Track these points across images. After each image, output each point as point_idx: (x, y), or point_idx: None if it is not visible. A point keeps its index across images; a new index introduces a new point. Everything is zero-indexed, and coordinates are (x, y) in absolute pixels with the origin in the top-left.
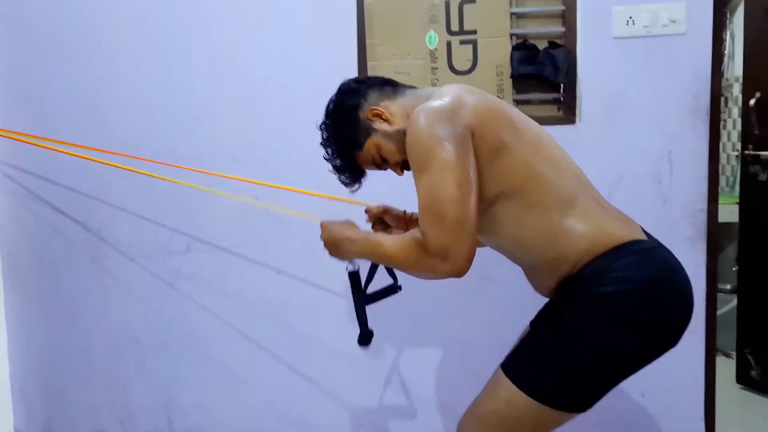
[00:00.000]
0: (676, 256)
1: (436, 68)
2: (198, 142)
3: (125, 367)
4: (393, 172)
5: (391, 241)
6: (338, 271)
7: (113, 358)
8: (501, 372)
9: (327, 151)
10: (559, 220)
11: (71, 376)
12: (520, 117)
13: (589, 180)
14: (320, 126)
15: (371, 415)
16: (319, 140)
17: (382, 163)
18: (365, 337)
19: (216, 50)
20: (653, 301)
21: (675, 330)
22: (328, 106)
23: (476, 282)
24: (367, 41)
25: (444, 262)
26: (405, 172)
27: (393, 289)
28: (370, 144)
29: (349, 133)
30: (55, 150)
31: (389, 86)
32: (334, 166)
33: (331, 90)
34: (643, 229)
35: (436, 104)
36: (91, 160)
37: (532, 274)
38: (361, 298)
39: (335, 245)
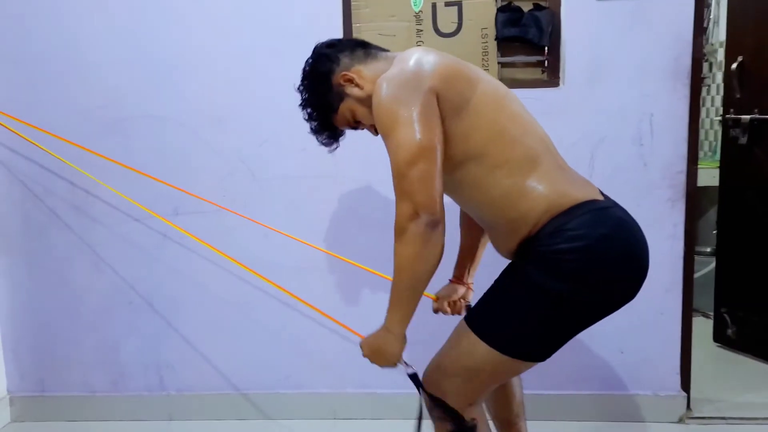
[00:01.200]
0: (655, 216)
1: (421, 30)
2: (182, 102)
3: (115, 328)
4: (368, 131)
5: (393, 279)
6: (322, 230)
7: (103, 319)
8: (463, 322)
9: (304, 114)
10: (521, 180)
11: (62, 337)
12: (481, 75)
13: (554, 143)
14: (297, 89)
15: (356, 372)
16: (298, 103)
17: (356, 125)
18: None
19: (201, 11)
20: (606, 257)
21: (628, 285)
22: (303, 70)
23: (458, 244)
24: (352, 3)
25: (418, 217)
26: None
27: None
28: (344, 108)
29: (323, 98)
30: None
31: (361, 49)
32: (311, 128)
33: None
34: (600, 191)
35: (397, 70)
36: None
37: (495, 234)
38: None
39: (379, 351)
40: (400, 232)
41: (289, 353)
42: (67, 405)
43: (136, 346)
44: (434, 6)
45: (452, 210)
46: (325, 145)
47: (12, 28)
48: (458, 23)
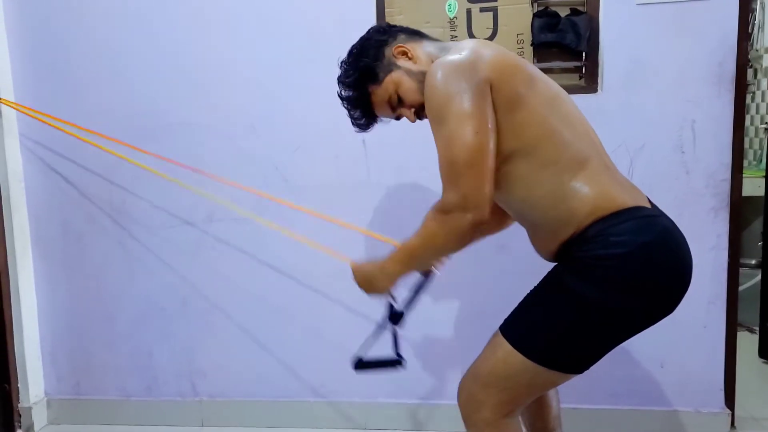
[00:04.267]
0: (698, 226)
1: (456, 36)
2: (217, 110)
3: (150, 334)
4: (406, 119)
5: (414, 235)
6: (357, 239)
7: (138, 324)
8: (499, 333)
9: (343, 84)
10: (568, 180)
11: (98, 342)
12: (537, 73)
13: (603, 146)
14: (342, 61)
15: (389, 382)
16: (338, 76)
17: (397, 105)
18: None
19: (235, 19)
20: (646, 267)
21: (669, 297)
22: (356, 43)
23: (492, 252)
24: (387, 10)
25: (465, 212)
26: (418, 120)
27: (394, 363)
28: (389, 80)
29: (371, 64)
30: (72, 134)
31: (417, 35)
32: (347, 99)
33: None
34: (648, 199)
35: (454, 58)
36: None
37: (536, 235)
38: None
39: (369, 282)
40: (442, 212)
41: (322, 361)
42: (102, 409)
43: (170, 351)
44: (469, 12)
45: None
46: (358, 124)
47: (56, 41)
48: (493, 29)
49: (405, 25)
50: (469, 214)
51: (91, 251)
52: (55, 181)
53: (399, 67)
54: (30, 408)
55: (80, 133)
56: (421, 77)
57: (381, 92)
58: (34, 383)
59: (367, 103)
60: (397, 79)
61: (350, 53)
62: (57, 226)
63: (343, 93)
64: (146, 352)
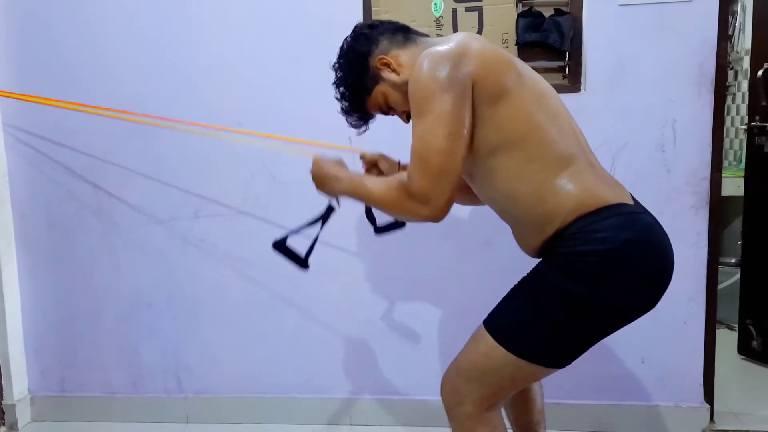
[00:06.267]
0: (678, 224)
1: (441, 35)
2: (204, 107)
3: (135, 330)
4: (399, 119)
5: (376, 183)
6: (346, 233)
7: (124, 320)
8: (482, 327)
9: (336, 93)
10: (553, 177)
11: (83, 338)
12: (525, 69)
13: (588, 143)
14: (333, 66)
15: (374, 377)
16: (332, 81)
17: (388, 110)
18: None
19: (223, 17)
20: (628, 263)
21: (650, 293)
22: (341, 48)
23: (477, 248)
24: (373, 8)
25: (424, 206)
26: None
27: (301, 262)
28: (378, 91)
29: (358, 78)
30: (64, 106)
31: (401, 34)
32: (342, 108)
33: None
34: (632, 196)
35: (441, 49)
36: (97, 113)
37: (519, 231)
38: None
39: (322, 181)
40: (407, 193)
41: (308, 357)
42: (87, 405)
43: (156, 348)
44: (455, 11)
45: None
46: (354, 126)
47: (41, 35)
48: (479, 28)
49: (390, 21)
50: (427, 209)
51: (76, 246)
52: (39, 175)
53: (384, 80)
54: (14, 405)
55: (66, 134)
56: (405, 87)
57: (372, 101)
58: (18, 380)
59: (362, 109)
60: (384, 91)
61: (337, 63)
62: (42, 221)
63: (338, 100)
64: (132, 348)
